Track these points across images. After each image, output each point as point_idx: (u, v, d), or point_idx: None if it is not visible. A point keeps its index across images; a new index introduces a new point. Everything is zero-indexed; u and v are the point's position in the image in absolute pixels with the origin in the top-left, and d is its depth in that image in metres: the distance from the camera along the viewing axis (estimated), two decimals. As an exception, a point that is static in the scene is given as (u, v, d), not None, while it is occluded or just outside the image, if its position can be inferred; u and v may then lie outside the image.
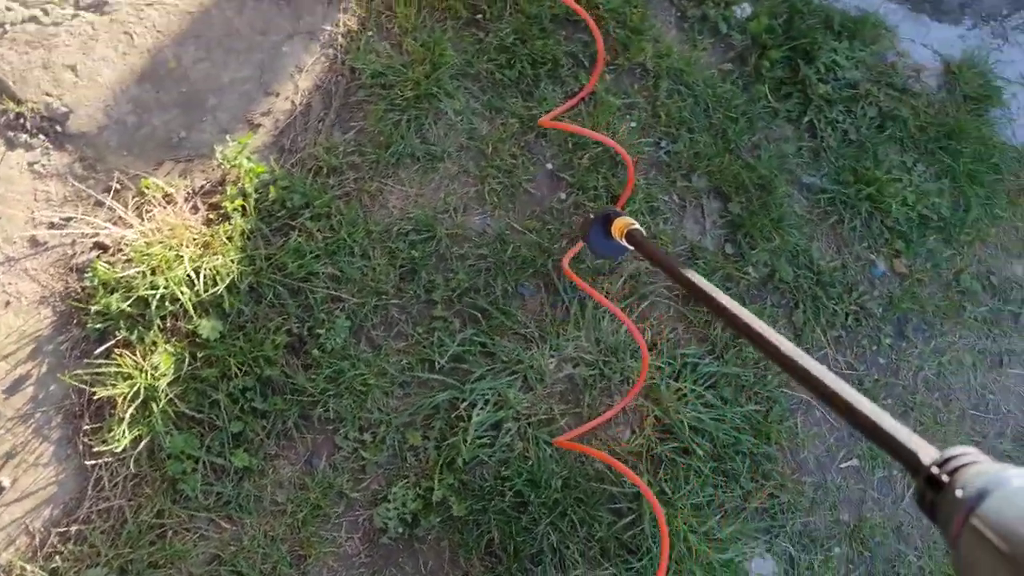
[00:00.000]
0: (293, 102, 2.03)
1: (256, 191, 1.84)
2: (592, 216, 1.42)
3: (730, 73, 2.25)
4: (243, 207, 1.81)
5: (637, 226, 1.30)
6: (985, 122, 2.37)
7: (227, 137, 1.91)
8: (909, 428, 0.61)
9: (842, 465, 2.04)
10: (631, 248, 1.31)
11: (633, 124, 2.15)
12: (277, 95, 2.03)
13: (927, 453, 0.58)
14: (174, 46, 2.00)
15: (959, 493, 0.51)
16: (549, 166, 2.08)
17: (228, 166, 1.88)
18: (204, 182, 1.91)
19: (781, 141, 2.21)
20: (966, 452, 0.55)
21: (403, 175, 1.99)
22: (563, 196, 2.06)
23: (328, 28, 2.10)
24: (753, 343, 0.82)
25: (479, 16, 2.17)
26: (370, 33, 2.10)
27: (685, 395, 1.89)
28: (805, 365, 0.74)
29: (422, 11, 2.13)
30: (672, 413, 1.89)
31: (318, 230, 1.85)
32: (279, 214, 1.85)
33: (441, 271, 1.91)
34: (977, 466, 0.53)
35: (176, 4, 2.03)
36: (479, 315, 1.86)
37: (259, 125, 2.00)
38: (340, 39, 2.09)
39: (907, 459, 0.60)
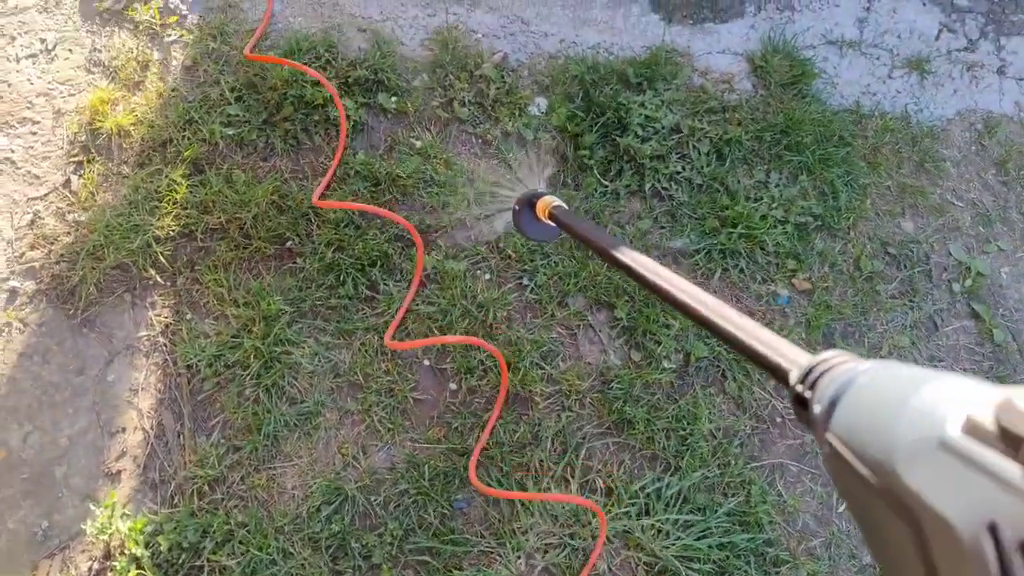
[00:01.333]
0: (143, 429, 2.06)
1: (147, 548, 1.86)
2: (516, 207, 1.50)
3: (555, 176, 2.38)
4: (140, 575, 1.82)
5: (558, 202, 1.40)
6: (811, 100, 2.56)
7: (91, 506, 1.91)
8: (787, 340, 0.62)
9: (840, 509, 2.15)
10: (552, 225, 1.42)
11: (487, 277, 2.24)
12: (124, 430, 2.06)
13: (798, 366, 0.56)
14: (-7, 435, 2.00)
15: (816, 408, 0.49)
16: (426, 363, 2.16)
17: (106, 536, 1.89)
18: (90, 563, 1.91)
19: (635, 220, 2.35)
20: (825, 359, 0.53)
21: (287, 449, 2.03)
22: (453, 387, 2.14)
23: (144, 333, 2.14)
24: (675, 305, 0.87)
25: (288, 244, 2.24)
26: (188, 316, 2.15)
27: (662, 529, 1.98)
28: (702, 307, 0.80)
29: (230, 268, 2.17)
30: (659, 551, 1.98)
31: (228, 556, 1.88)
32: (181, 560, 1.88)
33: (370, 530, 1.96)
34: (831, 372, 0.51)
35: (-24, 390, 2.04)
36: (429, 557, 1.91)
37: (119, 472, 2.02)
38: (161, 339, 2.13)
39: (779, 375, 0.59)
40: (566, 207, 1.40)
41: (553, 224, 1.41)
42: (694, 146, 2.51)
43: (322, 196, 2.28)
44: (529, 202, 1.46)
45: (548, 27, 2.68)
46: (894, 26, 2.86)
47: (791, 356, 0.59)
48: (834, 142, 2.58)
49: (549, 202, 1.41)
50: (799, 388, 0.54)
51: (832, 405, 0.47)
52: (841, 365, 0.51)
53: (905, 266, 2.52)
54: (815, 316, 2.38)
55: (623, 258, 1.02)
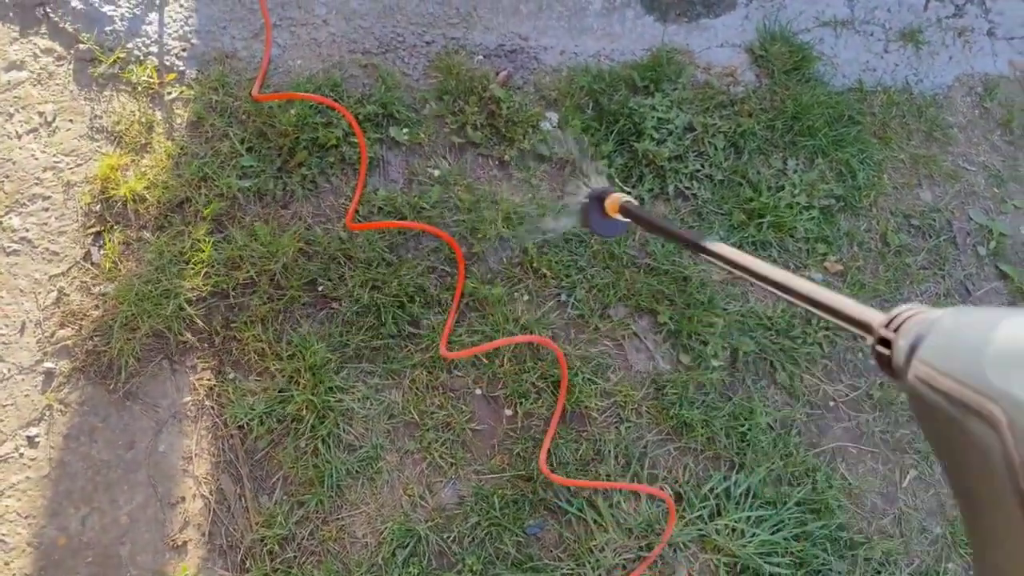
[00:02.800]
0: (203, 496, 2.07)
1: (228, 619, 1.86)
2: (585, 203, 1.55)
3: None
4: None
5: (629, 198, 1.47)
6: (816, 83, 2.63)
7: (163, 582, 1.91)
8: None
9: (904, 484, 2.20)
10: (629, 220, 1.49)
11: (526, 298, 2.27)
12: (183, 499, 2.06)
13: (878, 319, 0.67)
14: (52, 520, 2.00)
15: (901, 343, 0.59)
16: (478, 391, 2.18)
17: (184, 612, 1.89)
18: (169, 641, 1.91)
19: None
20: (909, 308, 0.64)
21: (352, 497, 2.05)
22: (508, 412, 2.16)
23: (189, 398, 2.15)
24: (759, 279, 0.97)
25: (320, 288, 2.25)
26: (232, 376, 2.16)
27: (736, 528, 2.01)
28: (784, 280, 0.90)
29: (267, 322, 2.18)
30: (737, 551, 2.02)
31: (311, 615, 1.88)
32: (264, 626, 1.87)
33: (448, 568, 1.97)
34: (916, 316, 0.61)
35: (27, 477, 2.03)
36: (512, 589, 1.93)
37: (185, 543, 2.02)
38: (207, 402, 2.14)
39: (863, 327, 0.71)
40: (636, 202, 1.48)
41: (623, 219, 1.49)
42: (710, 142, 2.56)
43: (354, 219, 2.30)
44: (598, 199, 1.52)
45: (546, 40, 2.72)
46: (883, 1, 2.94)
47: (868, 312, 0.71)
48: (844, 122, 2.65)
49: (619, 198, 1.48)
50: (884, 332, 0.63)
51: (917, 341, 0.57)
52: (923, 312, 0.61)
53: (930, 236, 2.59)
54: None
55: (704, 243, 1.14)
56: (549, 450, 2.13)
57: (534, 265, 2.36)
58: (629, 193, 1.49)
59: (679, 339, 2.32)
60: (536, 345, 2.26)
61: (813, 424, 2.32)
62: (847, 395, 2.36)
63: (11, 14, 2.55)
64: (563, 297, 2.35)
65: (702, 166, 2.54)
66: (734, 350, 2.33)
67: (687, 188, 2.50)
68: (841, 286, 2.48)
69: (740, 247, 2.40)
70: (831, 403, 2.34)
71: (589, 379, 2.24)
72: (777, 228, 2.45)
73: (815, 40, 2.84)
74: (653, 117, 2.53)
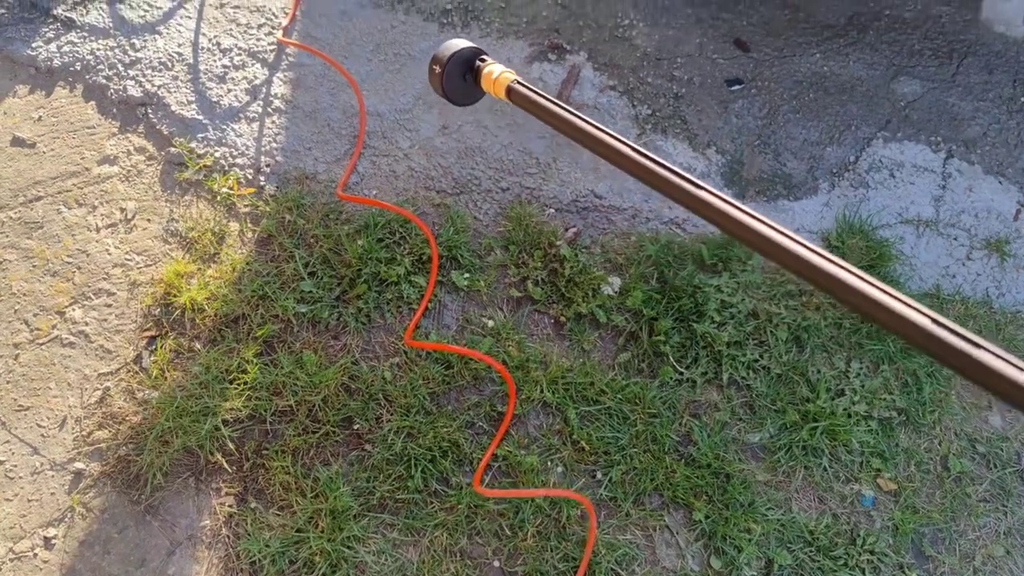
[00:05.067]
0: (201, 630, 2.06)
1: None
2: (451, 56, 1.19)
3: (630, 363, 2.43)
4: None
5: (517, 77, 1.13)
6: (890, 284, 2.58)
7: None
8: None
9: None
10: (500, 97, 1.14)
11: (560, 470, 2.26)
12: (181, 630, 2.05)
13: None
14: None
15: None
16: (496, 563, 2.16)
17: None
18: None
19: (712, 411, 2.39)
20: None
21: (351, 658, 2.01)
22: (525, 592, 2.12)
23: (207, 522, 2.17)
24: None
25: (356, 427, 2.28)
26: (253, 505, 2.18)
27: None
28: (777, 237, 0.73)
29: (298, 454, 2.22)
30: None
31: None
32: None
33: None
34: None
35: (35, 582, 2.07)
36: None
37: None
38: (224, 529, 2.16)
39: None
40: (524, 84, 1.13)
41: (501, 97, 1.15)
42: (772, 332, 2.56)
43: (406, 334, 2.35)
44: (470, 60, 1.19)
45: (620, 201, 2.79)
46: (971, 205, 2.94)
47: None
48: (916, 330, 2.61)
49: (506, 77, 1.13)
50: None
51: None
52: None
53: (995, 466, 2.51)
54: (902, 520, 2.37)
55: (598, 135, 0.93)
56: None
57: (574, 436, 2.37)
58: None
59: (712, 540, 2.27)
60: (563, 524, 2.24)
61: (845, 656, 2.23)
62: (885, 629, 2.27)
63: (115, 110, 2.74)
64: (598, 475, 2.34)
65: (760, 356, 2.53)
66: (769, 561, 2.26)
67: (742, 378, 2.49)
68: (893, 508, 2.41)
69: (789, 451, 2.37)
70: (867, 636, 2.25)
71: (612, 569, 2.20)
72: (831, 436, 2.41)
73: (895, 237, 2.84)
74: (717, 299, 2.55)
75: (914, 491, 2.44)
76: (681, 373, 2.49)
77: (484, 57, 1.20)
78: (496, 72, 1.14)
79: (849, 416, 2.45)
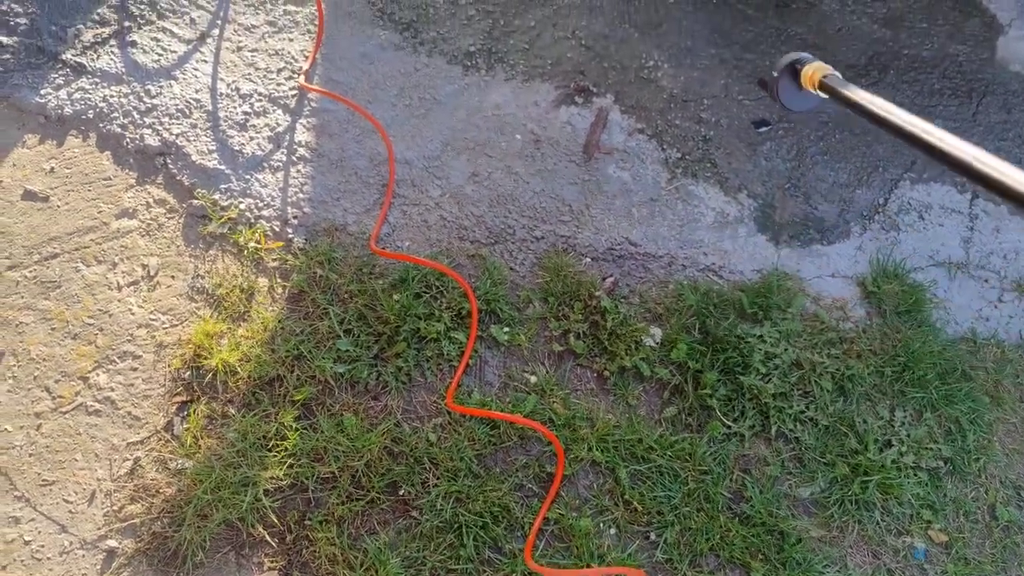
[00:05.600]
0: None
1: None
2: (775, 72, 1.46)
3: (677, 417, 2.41)
4: None
5: (831, 70, 1.37)
6: (927, 330, 2.62)
7: None
8: None
9: None
10: (824, 96, 1.39)
11: (613, 531, 2.21)
12: None
13: None
14: None
15: None
16: (555, 635, 2.09)
17: None
18: None
19: (762, 465, 2.37)
20: None
21: None
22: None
23: (251, 601, 2.07)
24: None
25: (402, 492, 2.22)
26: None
27: None
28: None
29: (343, 524, 2.14)
30: None
31: None
32: None
33: None
34: None
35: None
36: None
37: None
38: (270, 607, 2.06)
39: None
40: (838, 75, 1.37)
41: (817, 93, 1.40)
42: (816, 382, 2.54)
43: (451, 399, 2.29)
44: (792, 68, 1.43)
45: (655, 248, 2.76)
46: (999, 247, 2.97)
47: None
48: (956, 377, 2.63)
49: (820, 69, 1.39)
50: None
51: None
52: None
53: (1043, 513, 2.52)
54: (955, 573, 2.36)
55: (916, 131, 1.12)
56: None
57: (625, 496, 2.32)
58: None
59: (772, 602, 2.24)
60: (620, 590, 2.19)
61: None
62: None
63: (132, 160, 2.64)
64: (652, 536, 2.29)
65: (807, 407, 2.51)
66: (829, 622, 2.24)
67: (790, 431, 2.47)
68: (945, 560, 2.40)
69: (841, 505, 2.35)
70: None
71: (673, 638, 2.16)
72: (883, 490, 2.40)
73: (928, 280, 2.85)
74: (761, 350, 2.53)
75: (964, 542, 2.44)
76: (729, 427, 2.46)
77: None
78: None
79: (899, 468, 2.44)
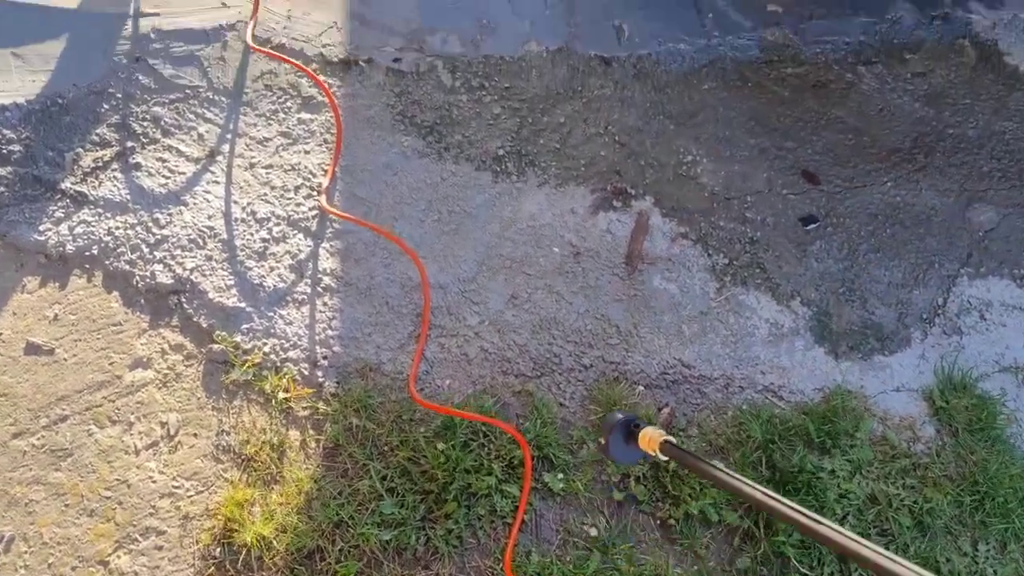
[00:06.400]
0: None
1: None
2: (614, 422, 1.70)
3: (751, 569, 2.29)
4: None
5: (670, 437, 1.60)
6: (1003, 448, 2.50)
7: None
8: None
9: None
10: (652, 456, 1.61)
11: None
12: None
13: None
14: None
15: None
16: None
17: None
18: None
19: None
20: None
21: None
22: None
23: None
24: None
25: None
26: None
27: None
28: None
29: None
30: None
31: None
32: None
33: None
34: None
35: None
36: None
37: None
38: None
39: None
40: (674, 440, 1.61)
41: (646, 452, 1.64)
42: (893, 518, 2.39)
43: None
44: (626, 424, 1.69)
45: (710, 369, 2.60)
46: (1065, 348, 2.84)
47: None
48: (1037, 500, 2.49)
49: (658, 435, 1.60)
50: None
51: None
52: None
53: None
54: None
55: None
56: None
57: (703, 667, 2.15)
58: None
59: None
60: None
61: None
62: None
63: (142, 300, 2.44)
64: None
65: (886, 547, 2.35)
66: None
67: (872, 576, 2.31)
68: None
69: (935, 661, 2.19)
70: None
71: None
72: (977, 640, 2.25)
73: (997, 389, 2.71)
74: (835, 487, 2.37)
75: None
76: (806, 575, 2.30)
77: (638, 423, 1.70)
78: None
79: (988, 614, 2.30)
